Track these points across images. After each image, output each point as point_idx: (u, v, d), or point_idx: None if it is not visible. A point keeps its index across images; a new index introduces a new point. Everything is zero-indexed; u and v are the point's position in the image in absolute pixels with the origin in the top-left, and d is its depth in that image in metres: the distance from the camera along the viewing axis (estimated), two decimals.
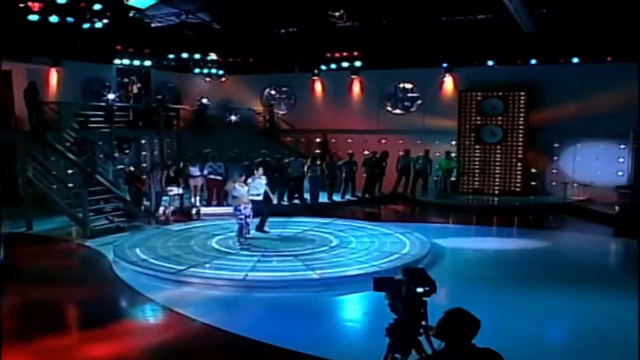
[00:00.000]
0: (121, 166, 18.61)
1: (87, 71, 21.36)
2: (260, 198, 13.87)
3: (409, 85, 24.07)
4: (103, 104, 20.69)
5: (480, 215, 18.64)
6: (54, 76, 20.44)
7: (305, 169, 19.48)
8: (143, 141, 22.72)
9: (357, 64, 24.14)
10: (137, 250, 12.37)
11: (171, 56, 24.29)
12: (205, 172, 18.47)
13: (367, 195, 21.04)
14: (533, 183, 21.62)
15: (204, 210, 18.27)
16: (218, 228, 14.76)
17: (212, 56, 25.39)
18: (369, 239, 13.56)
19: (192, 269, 10.93)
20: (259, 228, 14.23)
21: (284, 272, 10.85)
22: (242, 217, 12.89)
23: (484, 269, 12.00)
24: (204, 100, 24.39)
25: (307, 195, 19.60)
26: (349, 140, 23.74)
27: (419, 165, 21.43)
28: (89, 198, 15.49)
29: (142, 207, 17.27)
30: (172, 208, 18.14)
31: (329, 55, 24.65)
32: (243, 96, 25.71)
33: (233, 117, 25.01)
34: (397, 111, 24.18)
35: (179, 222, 16.83)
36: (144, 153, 22.58)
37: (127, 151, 21.46)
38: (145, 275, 10.99)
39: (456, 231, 16.00)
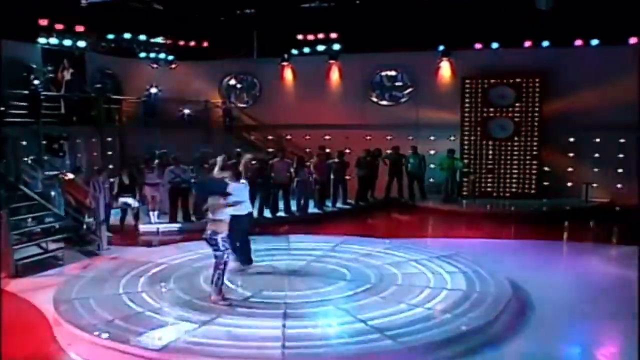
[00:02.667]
0: (53, 172, 14.29)
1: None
2: (243, 212, 9.70)
3: (396, 72, 20.61)
4: (26, 92, 16.07)
5: (508, 224, 15.35)
6: None
7: (292, 172, 15.72)
8: (79, 140, 18.33)
9: (335, 47, 20.44)
10: (92, 303, 8.23)
11: (110, 36, 19.85)
12: (167, 179, 14.37)
13: (360, 202, 17.48)
14: (546, 183, 18.65)
15: (164, 227, 14.20)
16: (199, 256, 10.61)
17: (160, 39, 21.16)
18: (413, 269, 9.91)
19: (191, 335, 6.98)
20: (244, 258, 10.13)
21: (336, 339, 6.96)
22: (226, 254, 8.44)
23: (595, 309, 8.55)
24: (153, 91, 20.09)
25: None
26: (327, 137, 20.07)
27: (411, 165, 18.07)
28: (12, 218, 11.17)
29: (85, 227, 13.04)
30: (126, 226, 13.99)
31: (301, 37, 20.86)
32: (198, 86, 21.51)
33: (187, 111, 20.86)
34: (385, 102, 20.54)
35: (134, 245, 12.76)
36: (79, 155, 18.20)
37: (60, 153, 17.07)
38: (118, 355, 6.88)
39: (502, 250, 12.45)
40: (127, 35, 19.94)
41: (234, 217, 9.50)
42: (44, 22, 17.68)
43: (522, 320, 8.01)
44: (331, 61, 20.60)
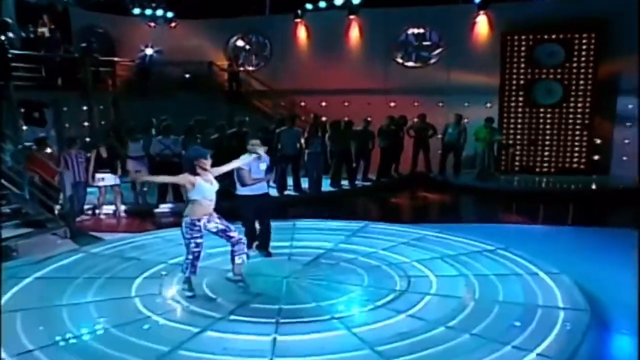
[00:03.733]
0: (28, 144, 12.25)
1: None
2: (258, 191, 8.02)
3: (425, 30, 18.01)
4: None
5: (555, 205, 12.92)
6: None
7: (303, 142, 13.48)
8: (65, 108, 16.24)
9: (355, 0, 17.99)
10: (27, 317, 6.04)
11: None
12: (154, 151, 12.21)
13: (382, 178, 15.20)
14: (596, 157, 16.16)
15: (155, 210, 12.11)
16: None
17: None
18: (450, 269, 7.57)
19: None
20: (262, 246, 8.30)
21: None
22: (198, 241, 6.55)
23: None
24: (149, 52, 17.83)
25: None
26: (346, 104, 17.76)
27: (449, 135, 15.69)
28: None
29: (57, 209, 11.00)
30: (104, 208, 11.93)
31: None
32: (200, 47, 19.17)
33: (187, 75, 18.63)
34: (411, 64, 18.00)
35: (117, 232, 10.69)
36: (67, 125, 16.12)
37: (42, 123, 14.99)
38: None
39: (554, 240, 9.88)
40: None
41: (247, 198, 7.70)
42: None
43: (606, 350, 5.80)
44: (350, 17, 18.06)
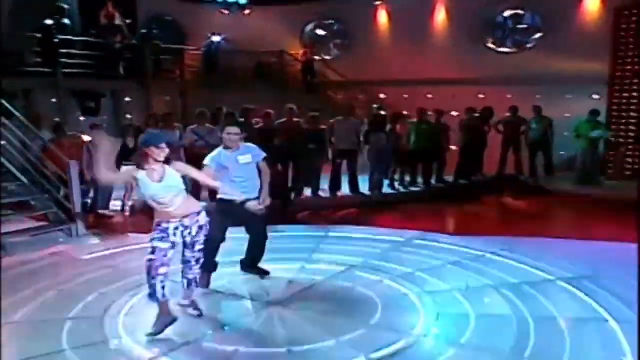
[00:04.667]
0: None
1: None
2: (249, 195, 5.97)
3: (524, 12, 15.40)
4: (38, 35, 13.02)
5: None
6: None
7: (362, 137, 11.52)
8: (128, 99, 15.24)
9: None
10: None
11: None
12: (186, 142, 10.69)
13: (460, 180, 12.86)
14: None
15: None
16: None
17: None
18: (554, 310, 5.30)
19: None
20: (250, 265, 6.41)
21: None
22: (159, 253, 4.72)
23: None
24: (216, 39, 16.50)
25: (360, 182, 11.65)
26: (429, 96, 15.51)
27: (532, 131, 13.11)
28: None
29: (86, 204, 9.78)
30: (130, 203, 10.52)
31: None
32: (275, 35, 17.58)
33: (258, 65, 17.11)
34: (505, 49, 15.49)
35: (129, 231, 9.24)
36: (129, 116, 15.10)
37: (95, 113, 14.04)
38: None
39: None
40: None
41: (222, 205, 5.86)
42: None
43: None
44: None
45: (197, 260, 5.02)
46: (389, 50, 16.70)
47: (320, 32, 18.10)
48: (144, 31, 14.93)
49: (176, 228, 4.79)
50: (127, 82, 14.51)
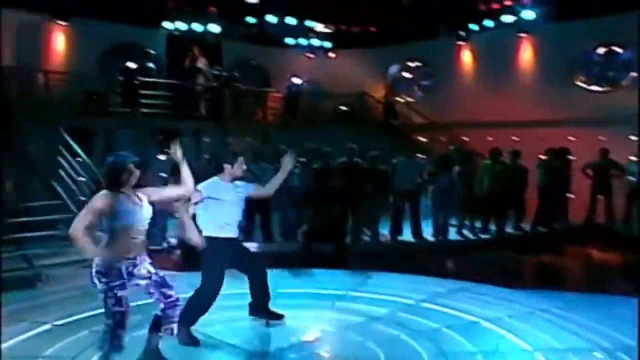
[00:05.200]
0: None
1: (115, 35, 14.34)
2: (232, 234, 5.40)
3: (623, 48, 13.99)
4: (121, 77, 13.42)
5: None
6: (60, 38, 13.70)
7: (425, 176, 10.67)
8: (208, 139, 15.32)
9: (529, 15, 14.65)
10: None
11: (251, 20, 16.58)
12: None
13: (539, 227, 11.57)
14: None
15: None
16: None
17: (315, 24, 17.35)
18: None
19: None
20: (259, 307, 5.70)
21: None
22: (120, 294, 4.10)
23: None
24: (296, 81, 16.37)
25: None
26: (515, 138, 14.35)
27: (630, 174, 11.63)
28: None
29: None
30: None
31: (483, 7, 15.42)
32: (358, 77, 17.18)
33: (341, 107, 16.76)
34: (596, 88, 14.18)
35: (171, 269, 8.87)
36: (206, 156, 15.15)
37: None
38: None
39: None
40: (271, 19, 16.43)
41: (214, 243, 5.29)
42: (171, 4, 15.09)
43: None
44: (522, 35, 14.82)
45: (176, 304, 4.41)
46: (473, 90, 15.80)
47: (403, 73, 17.48)
48: (224, 74, 15.04)
49: (127, 267, 4.18)
50: (207, 122, 14.60)
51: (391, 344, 5.13)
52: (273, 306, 5.74)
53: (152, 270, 4.32)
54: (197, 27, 15.52)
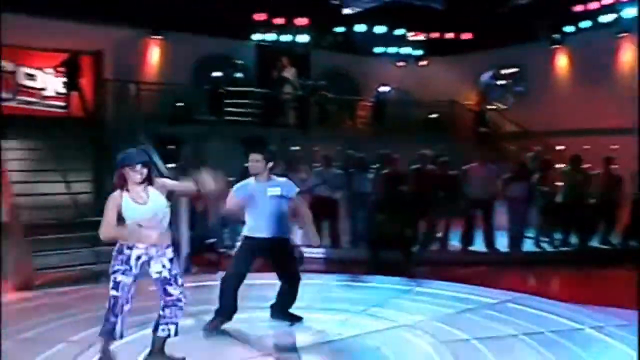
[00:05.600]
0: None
1: (206, 47, 14.86)
2: (277, 233, 5.39)
3: None
4: (208, 87, 13.89)
5: None
6: (155, 52, 14.41)
7: (499, 184, 10.04)
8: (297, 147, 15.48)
9: (629, 13, 13.49)
10: None
11: (339, 30, 16.57)
12: (310, 186, 10.27)
13: (631, 242, 10.48)
14: None
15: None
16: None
17: (405, 32, 17.00)
18: None
19: None
20: (280, 309, 5.65)
21: None
22: (119, 279, 4.23)
23: None
24: (383, 89, 16.15)
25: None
26: (614, 146, 13.22)
27: None
28: None
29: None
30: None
31: (579, 7, 14.38)
32: (449, 85, 16.67)
33: (431, 115, 16.30)
34: None
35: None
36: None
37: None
38: None
39: None
40: (359, 27, 16.32)
41: (245, 242, 5.48)
42: (260, 16, 15.40)
43: None
44: (622, 35, 13.68)
45: (175, 304, 4.38)
46: (569, 96, 14.82)
47: (496, 80, 16.71)
48: (311, 82, 15.14)
49: (138, 257, 4.27)
50: (294, 130, 14.74)
51: (409, 352, 4.84)
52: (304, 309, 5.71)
53: (168, 266, 4.36)
54: (285, 37, 15.76)
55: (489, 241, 9.81)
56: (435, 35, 17.17)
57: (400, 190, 9.49)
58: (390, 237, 9.28)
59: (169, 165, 9.87)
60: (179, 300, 4.39)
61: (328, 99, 15.26)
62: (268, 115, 14.53)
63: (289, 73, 15.18)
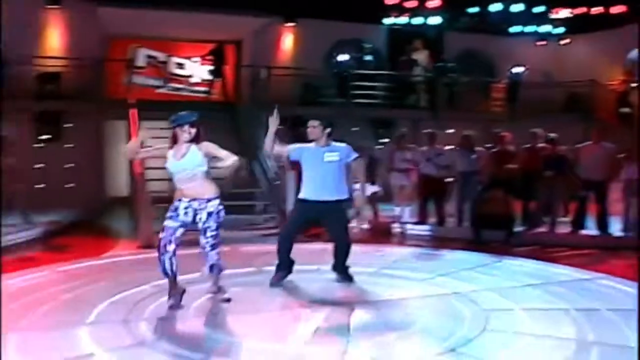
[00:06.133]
0: None
1: (338, 32, 15.30)
2: (331, 196, 5.71)
3: None
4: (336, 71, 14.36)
5: None
6: (288, 38, 15.18)
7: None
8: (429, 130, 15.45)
9: None
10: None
11: (473, 10, 16.10)
12: (413, 163, 10.37)
13: None
14: None
15: (410, 230, 10.21)
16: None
17: (546, 9, 16.09)
18: None
19: None
20: (334, 267, 5.99)
21: None
22: (169, 224, 4.93)
23: None
24: (517, 70, 15.48)
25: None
26: None
27: None
28: None
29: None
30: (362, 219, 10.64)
31: None
32: (593, 64, 15.51)
33: (571, 96, 15.29)
34: None
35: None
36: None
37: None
38: None
39: None
40: (495, 7, 15.75)
41: (298, 204, 5.96)
42: (392, 0, 15.52)
43: None
44: None
45: (212, 246, 4.98)
46: None
47: None
48: (441, 65, 15.03)
49: (185, 208, 4.91)
50: (423, 112, 14.76)
51: (449, 310, 5.00)
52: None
53: (204, 218, 4.93)
54: (417, 20, 15.76)
55: (602, 224, 9.21)
56: (581, 10, 16.09)
57: (508, 169, 9.32)
58: (494, 216, 9.21)
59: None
60: (204, 247, 5.01)
61: (458, 80, 15.07)
62: (397, 97, 14.73)
63: (421, 55, 15.21)
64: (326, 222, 5.89)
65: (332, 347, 4.12)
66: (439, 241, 9.34)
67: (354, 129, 13.82)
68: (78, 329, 4.41)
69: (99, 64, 12.69)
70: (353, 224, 9.98)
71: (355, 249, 6.10)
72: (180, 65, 15.82)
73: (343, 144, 5.91)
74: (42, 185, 11.28)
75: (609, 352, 4.08)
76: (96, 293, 5.45)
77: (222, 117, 12.72)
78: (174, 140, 4.92)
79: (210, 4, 13.59)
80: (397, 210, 10.60)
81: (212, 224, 4.97)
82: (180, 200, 4.97)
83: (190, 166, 4.90)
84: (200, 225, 4.98)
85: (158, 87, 15.28)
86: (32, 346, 4.09)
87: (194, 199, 4.94)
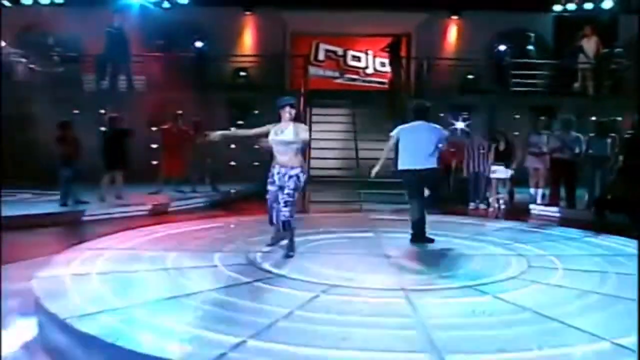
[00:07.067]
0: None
1: (502, 22, 15.62)
2: (430, 164, 6.82)
3: None
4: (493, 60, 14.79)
5: None
6: (453, 30, 15.89)
7: None
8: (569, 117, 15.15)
9: None
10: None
11: None
12: (550, 148, 10.68)
13: None
14: None
15: (541, 211, 10.63)
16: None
17: None
18: None
19: None
20: (417, 236, 6.95)
21: None
22: (268, 188, 6.32)
23: None
24: None
25: None
26: None
27: None
28: None
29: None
30: (500, 202, 11.28)
31: None
32: None
33: None
34: None
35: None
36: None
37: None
38: None
39: None
40: None
41: (403, 174, 7.12)
42: None
43: None
44: None
45: (285, 203, 6.06)
46: None
47: None
48: (606, 50, 14.67)
49: (278, 173, 6.19)
50: (587, 99, 14.62)
51: (489, 258, 5.95)
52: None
53: (286, 183, 6.10)
54: (588, 5, 15.45)
55: None
56: None
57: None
58: (619, 200, 9.33)
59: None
60: (279, 202, 6.15)
61: (626, 67, 14.58)
62: (559, 85, 14.77)
63: (590, 42, 14.95)
64: (420, 187, 6.95)
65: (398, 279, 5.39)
66: (568, 222, 9.68)
67: (516, 116, 14.43)
68: (214, 254, 6.22)
69: (282, 59, 14.96)
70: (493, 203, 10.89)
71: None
72: (357, 58, 17.50)
73: (438, 126, 7.04)
74: (233, 163, 13.76)
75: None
76: (236, 237, 7.24)
77: (389, 105, 14.09)
78: (278, 118, 6.30)
79: (381, 3, 15.00)
80: (531, 192, 11.13)
81: (291, 184, 6.13)
82: (274, 167, 6.26)
83: (288, 142, 6.14)
84: (285, 184, 6.16)
85: (335, 78, 17.18)
86: (178, 260, 5.97)
87: (284, 166, 6.19)
